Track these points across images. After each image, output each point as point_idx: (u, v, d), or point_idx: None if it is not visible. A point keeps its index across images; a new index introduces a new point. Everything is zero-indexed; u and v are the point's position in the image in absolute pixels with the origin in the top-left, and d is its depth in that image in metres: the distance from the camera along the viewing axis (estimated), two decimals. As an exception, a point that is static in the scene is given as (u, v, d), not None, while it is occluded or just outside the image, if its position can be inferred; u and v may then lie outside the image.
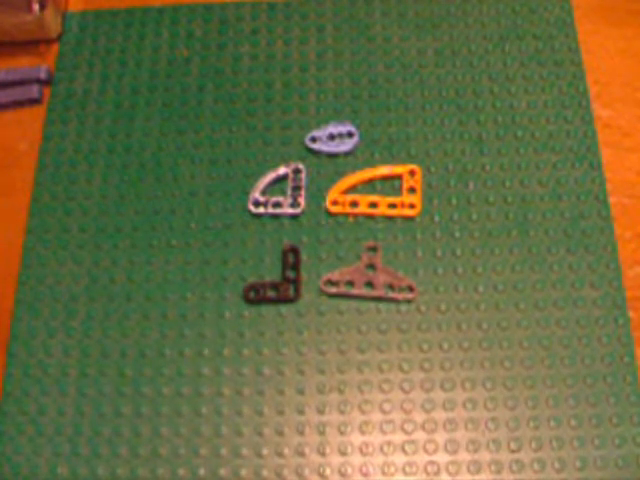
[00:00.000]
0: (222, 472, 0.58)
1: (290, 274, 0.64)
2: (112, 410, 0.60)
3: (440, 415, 0.59)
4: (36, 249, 0.66)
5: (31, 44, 0.74)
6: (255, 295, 0.63)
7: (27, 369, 0.62)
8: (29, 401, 0.61)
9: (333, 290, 0.63)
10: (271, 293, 0.63)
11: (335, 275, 0.63)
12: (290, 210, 0.66)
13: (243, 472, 0.58)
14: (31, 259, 0.65)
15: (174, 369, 0.61)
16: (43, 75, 0.72)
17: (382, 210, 0.66)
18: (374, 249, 0.64)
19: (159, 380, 0.61)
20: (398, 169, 0.67)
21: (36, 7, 0.72)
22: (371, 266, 0.64)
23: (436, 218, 0.65)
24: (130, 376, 0.61)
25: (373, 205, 0.66)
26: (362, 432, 0.59)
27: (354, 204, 0.66)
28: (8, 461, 0.59)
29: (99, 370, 0.61)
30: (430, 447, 0.58)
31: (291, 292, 0.63)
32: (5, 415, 0.60)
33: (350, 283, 0.63)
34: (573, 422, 0.59)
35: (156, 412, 0.60)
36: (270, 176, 0.67)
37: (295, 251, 0.64)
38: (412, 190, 0.66)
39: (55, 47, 0.74)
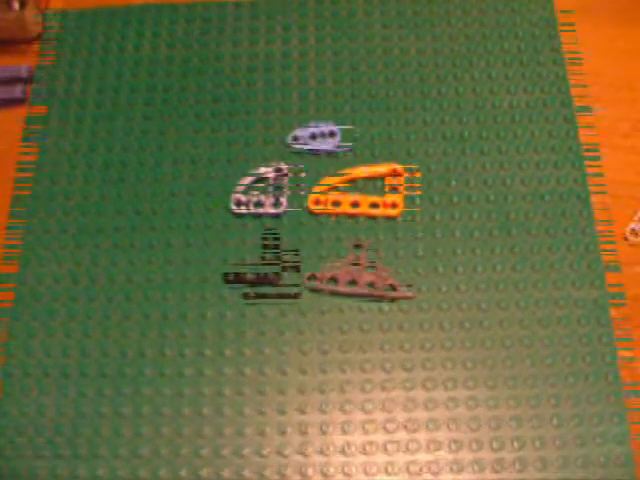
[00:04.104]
0: (224, 473, 0.58)
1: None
2: (112, 410, 0.60)
3: (422, 415, 0.59)
4: (35, 249, 0.65)
5: (11, 43, 0.74)
6: (235, 278, 0.63)
7: (26, 369, 0.61)
8: (28, 401, 0.60)
9: (320, 285, 0.62)
10: (252, 276, 0.63)
11: (323, 271, 0.63)
12: (272, 210, 0.66)
13: (245, 472, 0.58)
14: (30, 258, 0.65)
15: (173, 369, 0.61)
16: (24, 74, 0.72)
17: (364, 210, 0.65)
18: (360, 247, 0.64)
19: (159, 380, 0.61)
20: (380, 168, 0.67)
21: (16, 6, 0.71)
22: (357, 264, 0.63)
23: (418, 218, 0.65)
24: (130, 376, 0.61)
25: (355, 205, 0.66)
26: (344, 432, 0.59)
27: (336, 203, 0.66)
28: (8, 461, 0.58)
29: (98, 370, 0.61)
30: (412, 446, 0.58)
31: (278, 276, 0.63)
32: (4, 415, 0.60)
33: (335, 280, 0.63)
34: (555, 421, 0.59)
35: (156, 412, 0.60)
36: (252, 176, 0.67)
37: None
38: (394, 190, 0.66)
39: (36, 46, 0.74)
